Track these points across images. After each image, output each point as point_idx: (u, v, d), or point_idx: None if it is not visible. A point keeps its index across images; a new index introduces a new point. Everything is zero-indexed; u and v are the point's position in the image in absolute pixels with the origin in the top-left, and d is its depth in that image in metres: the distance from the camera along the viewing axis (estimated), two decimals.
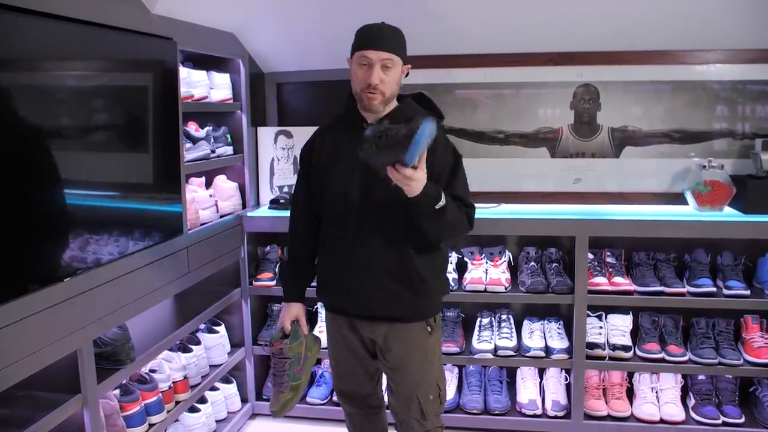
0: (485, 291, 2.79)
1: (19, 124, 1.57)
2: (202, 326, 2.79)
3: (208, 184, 2.80)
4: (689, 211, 2.76)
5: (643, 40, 2.77)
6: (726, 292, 2.65)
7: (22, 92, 1.60)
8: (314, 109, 3.18)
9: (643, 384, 2.80)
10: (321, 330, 2.91)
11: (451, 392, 2.85)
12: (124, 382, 2.18)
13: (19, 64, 1.58)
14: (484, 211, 2.75)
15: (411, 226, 1.82)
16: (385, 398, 2.21)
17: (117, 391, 2.17)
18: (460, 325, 2.96)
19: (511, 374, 2.96)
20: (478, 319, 2.95)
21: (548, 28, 2.74)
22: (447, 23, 2.73)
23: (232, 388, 2.88)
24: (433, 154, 1.85)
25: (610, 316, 2.81)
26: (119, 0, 2.01)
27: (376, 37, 1.83)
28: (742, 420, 2.64)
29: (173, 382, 2.41)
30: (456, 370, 2.98)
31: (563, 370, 2.83)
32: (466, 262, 2.91)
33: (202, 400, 2.66)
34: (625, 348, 2.72)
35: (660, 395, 2.77)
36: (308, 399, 2.91)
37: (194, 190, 2.63)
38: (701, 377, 2.76)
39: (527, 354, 2.77)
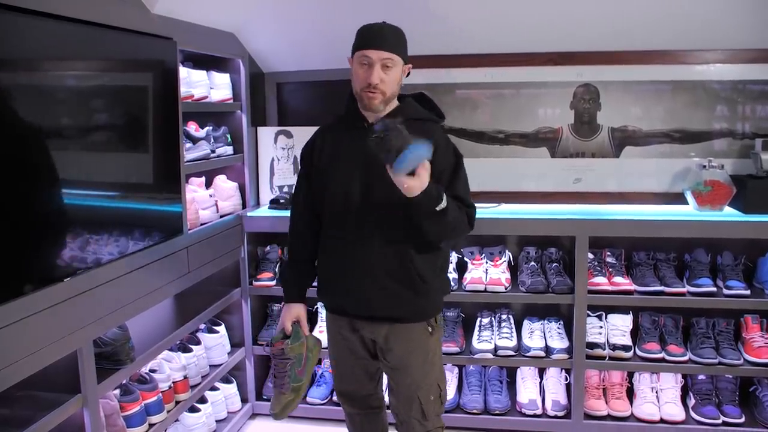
0: (485, 291, 2.79)
1: (19, 124, 1.57)
2: (202, 326, 2.79)
3: (208, 184, 2.80)
4: (689, 211, 2.76)
5: (643, 40, 2.77)
6: (726, 291, 2.65)
7: (23, 92, 1.60)
8: (314, 109, 3.18)
9: (643, 384, 2.80)
10: (321, 330, 2.92)
11: (451, 392, 2.85)
12: (124, 382, 2.18)
13: (19, 64, 1.58)
14: (484, 211, 2.75)
15: (411, 226, 1.81)
16: (386, 398, 2.21)
17: (117, 391, 2.17)
18: (460, 325, 2.96)
19: (511, 374, 2.96)
20: (478, 319, 2.95)
21: (548, 28, 2.74)
22: (447, 23, 2.73)
23: (232, 388, 2.88)
24: (434, 154, 1.85)
25: (610, 316, 2.81)
26: (119, 0, 2.01)
27: (376, 37, 1.83)
28: (742, 420, 2.64)
29: (173, 382, 2.41)
30: (456, 370, 2.98)
31: (563, 370, 2.83)
32: (466, 262, 2.92)
33: (202, 400, 2.66)
34: (625, 348, 2.72)
35: (660, 395, 2.77)
36: (308, 399, 2.91)
37: (194, 190, 2.63)
38: (701, 377, 2.76)
39: (527, 354, 2.77)
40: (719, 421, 2.64)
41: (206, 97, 2.64)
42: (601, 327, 2.78)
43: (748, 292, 2.62)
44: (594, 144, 2.94)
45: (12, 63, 1.55)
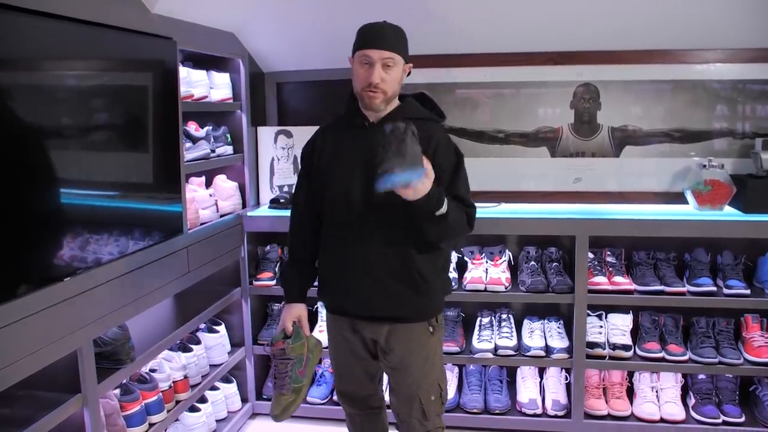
0: (485, 290, 2.79)
1: (19, 124, 1.57)
2: (202, 326, 2.79)
3: (208, 184, 2.80)
4: (689, 211, 2.76)
5: (643, 39, 2.77)
6: (726, 291, 2.65)
7: (23, 92, 1.60)
8: (314, 109, 3.18)
9: (644, 383, 2.80)
10: (321, 329, 2.92)
11: (451, 392, 2.85)
12: (124, 381, 2.18)
13: (19, 64, 1.58)
14: (484, 210, 2.75)
15: (412, 225, 1.81)
16: (386, 398, 2.21)
17: (117, 391, 2.17)
18: (461, 324, 2.96)
19: (512, 374, 2.96)
20: (479, 318, 2.95)
21: (548, 28, 2.73)
22: (447, 23, 2.73)
23: (232, 388, 2.88)
24: (434, 154, 1.85)
25: (611, 316, 2.81)
26: (119, 0, 2.01)
27: (377, 36, 1.83)
28: (743, 419, 2.64)
29: (173, 382, 2.41)
30: (456, 369, 2.98)
31: (563, 370, 2.84)
32: (467, 262, 2.92)
33: (203, 400, 2.66)
34: (625, 347, 2.72)
35: (660, 394, 2.77)
36: (308, 398, 2.91)
37: (194, 190, 2.63)
38: (701, 376, 2.76)
39: (527, 353, 2.77)
40: (719, 421, 2.64)
41: (206, 96, 2.64)
42: (601, 326, 2.78)
43: (748, 291, 2.62)
44: (594, 143, 2.94)
45: (12, 63, 1.55)
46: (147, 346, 2.22)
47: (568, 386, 2.82)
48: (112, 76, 1.98)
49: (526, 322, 2.92)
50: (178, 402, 2.41)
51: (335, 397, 2.78)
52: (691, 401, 2.75)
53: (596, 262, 2.81)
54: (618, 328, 2.78)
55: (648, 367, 2.73)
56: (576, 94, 2.93)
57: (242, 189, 2.95)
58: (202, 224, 2.57)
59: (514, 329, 2.87)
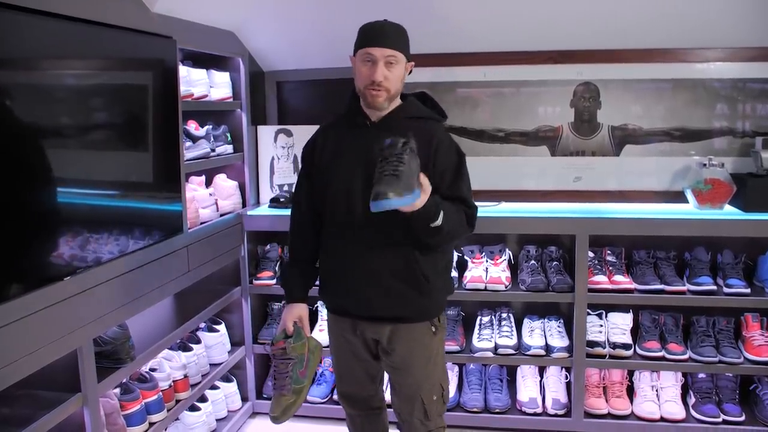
0: (485, 289, 2.79)
1: (19, 123, 1.57)
2: (203, 325, 2.79)
3: (208, 183, 2.80)
4: (689, 210, 2.76)
5: (644, 38, 2.77)
6: (726, 290, 2.65)
7: (22, 91, 1.59)
8: (314, 108, 3.18)
9: (644, 382, 2.80)
10: (321, 329, 2.92)
11: (451, 391, 2.85)
12: (124, 380, 2.18)
13: (18, 63, 1.58)
14: (484, 209, 2.74)
15: (411, 230, 1.81)
16: (387, 397, 2.21)
17: (117, 390, 2.17)
18: (461, 323, 2.96)
19: (512, 373, 2.96)
20: (479, 317, 2.95)
21: (549, 27, 2.73)
22: (448, 22, 2.73)
23: (232, 387, 2.88)
24: (436, 154, 1.85)
25: (611, 315, 2.81)
26: None
27: (379, 34, 1.83)
28: (743, 418, 2.64)
29: (173, 381, 2.41)
30: (456, 368, 2.98)
31: (563, 369, 2.84)
32: (467, 261, 2.92)
33: (203, 399, 2.66)
34: (626, 346, 2.72)
35: (660, 393, 2.77)
36: (309, 398, 2.90)
37: (194, 189, 2.63)
38: (701, 375, 2.76)
39: (527, 352, 2.77)
40: (719, 420, 2.64)
41: (206, 95, 2.63)
42: (602, 325, 2.78)
43: (748, 290, 2.63)
44: (594, 142, 2.94)
45: (12, 62, 1.55)
46: (147, 345, 2.22)
47: (568, 385, 2.82)
48: (112, 75, 1.98)
49: (526, 321, 2.92)
50: (178, 401, 2.41)
51: (335, 397, 2.78)
52: (691, 400, 2.75)
53: (596, 261, 2.81)
54: (618, 327, 2.78)
55: (648, 366, 2.73)
56: (576, 93, 2.93)
57: (242, 188, 2.95)
58: (202, 223, 2.57)
59: (514, 328, 2.87)
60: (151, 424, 2.22)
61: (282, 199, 2.95)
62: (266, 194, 3.09)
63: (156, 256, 2.17)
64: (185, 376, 2.47)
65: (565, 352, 2.74)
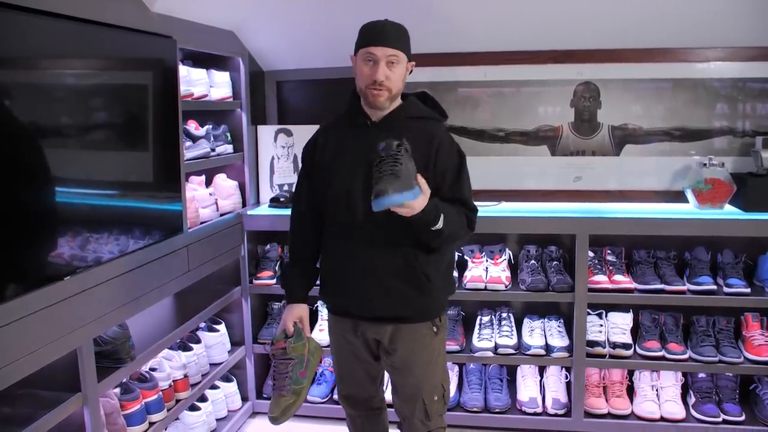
0: (485, 289, 2.79)
1: (19, 123, 1.57)
2: (203, 325, 2.79)
3: (208, 183, 2.80)
4: (690, 209, 2.76)
5: (644, 38, 2.77)
6: (726, 290, 2.65)
7: (22, 91, 1.59)
8: (314, 108, 3.18)
9: (644, 382, 2.80)
10: (321, 328, 2.92)
11: (451, 390, 2.84)
12: (124, 380, 2.18)
13: (18, 63, 1.57)
14: (484, 209, 2.74)
15: (412, 231, 1.81)
16: (387, 396, 2.20)
17: (117, 390, 2.17)
18: (461, 323, 2.96)
19: (512, 372, 2.96)
20: (479, 317, 2.95)
21: (549, 27, 2.73)
22: (448, 22, 2.73)
23: (232, 387, 2.88)
24: (437, 154, 1.85)
25: (611, 314, 2.81)
26: None
27: (381, 34, 1.82)
28: (743, 418, 2.64)
29: (173, 381, 2.41)
30: (456, 368, 2.98)
31: (563, 368, 2.84)
32: (467, 261, 2.92)
33: (203, 399, 2.66)
34: (626, 346, 2.72)
35: (660, 393, 2.77)
36: (309, 397, 2.90)
37: (194, 189, 2.63)
38: (701, 375, 2.76)
39: (527, 352, 2.77)
40: (719, 419, 2.64)
41: (206, 95, 2.63)
42: (602, 325, 2.78)
43: (748, 290, 2.63)
44: (594, 142, 2.94)
45: (11, 61, 1.55)
46: (147, 344, 2.22)
47: (568, 385, 2.82)
48: (112, 74, 1.98)
49: (526, 320, 2.92)
50: (178, 401, 2.41)
51: (335, 396, 2.78)
52: (691, 400, 2.75)
53: (596, 261, 2.81)
54: (618, 326, 2.78)
55: (648, 366, 2.73)
56: (576, 93, 2.93)
57: (242, 188, 2.95)
58: (202, 223, 2.57)
59: (514, 328, 2.87)
60: (151, 424, 2.22)
61: (282, 199, 2.95)
62: (266, 194, 3.09)
63: (156, 256, 2.17)
64: (185, 376, 2.47)
65: (565, 351, 2.74)
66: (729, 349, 2.64)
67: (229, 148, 2.85)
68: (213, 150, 2.70)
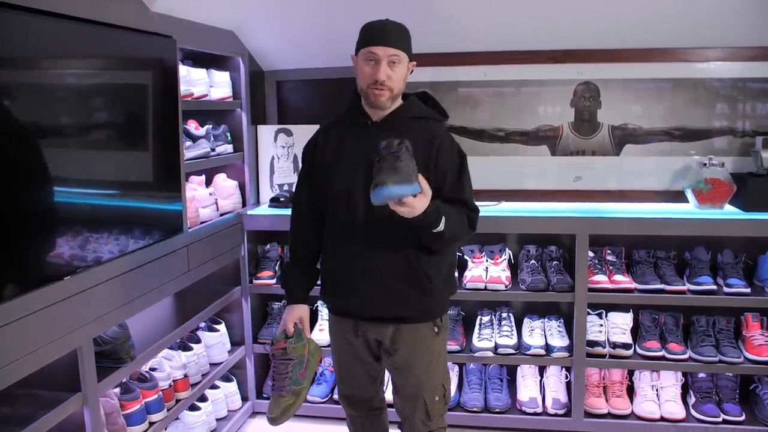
0: (485, 289, 2.79)
1: (18, 123, 1.57)
2: (203, 324, 2.79)
3: (208, 183, 2.80)
4: (690, 209, 2.76)
5: (644, 37, 2.77)
6: (726, 290, 2.65)
7: (22, 91, 1.59)
8: (314, 108, 3.18)
9: (644, 382, 2.80)
10: (321, 328, 2.92)
11: (451, 390, 2.85)
12: (124, 380, 2.18)
13: (18, 63, 1.57)
14: (484, 209, 2.73)
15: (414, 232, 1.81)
16: (387, 396, 2.20)
17: (117, 390, 2.17)
18: (461, 323, 2.96)
19: (512, 372, 2.96)
20: (479, 317, 2.95)
21: (549, 26, 2.73)
22: (448, 22, 2.73)
23: (232, 387, 2.88)
24: (438, 153, 1.84)
25: (611, 314, 2.81)
26: None
27: (382, 33, 1.82)
28: (743, 418, 2.64)
29: (173, 381, 2.41)
30: (456, 368, 2.98)
31: (563, 368, 2.84)
32: (467, 261, 2.91)
33: (203, 399, 2.66)
34: (626, 346, 2.72)
35: (660, 393, 2.77)
36: (309, 397, 2.90)
37: (194, 189, 2.63)
38: (701, 375, 2.76)
39: (527, 352, 2.77)
40: (719, 419, 2.64)
41: (206, 95, 2.63)
42: (602, 325, 2.78)
43: (748, 290, 2.63)
44: (594, 142, 2.94)
45: (11, 61, 1.55)
46: (147, 344, 2.22)
47: (568, 385, 2.82)
48: (112, 74, 1.98)
49: (526, 320, 2.92)
50: (178, 401, 2.41)
51: (335, 396, 2.78)
52: (692, 400, 2.75)
53: (596, 261, 2.81)
54: (618, 326, 2.78)
55: (648, 366, 2.73)
56: (576, 93, 2.93)
57: (242, 187, 2.95)
58: (202, 223, 2.57)
59: (514, 328, 2.87)
60: (151, 424, 2.22)
61: (282, 199, 2.95)
62: (266, 194, 3.09)
63: (156, 256, 2.17)
64: (185, 376, 2.47)
65: (565, 351, 2.74)
66: (729, 349, 2.64)
67: (229, 148, 2.85)
68: (213, 150, 2.70)
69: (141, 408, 2.18)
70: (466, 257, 2.93)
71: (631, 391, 2.82)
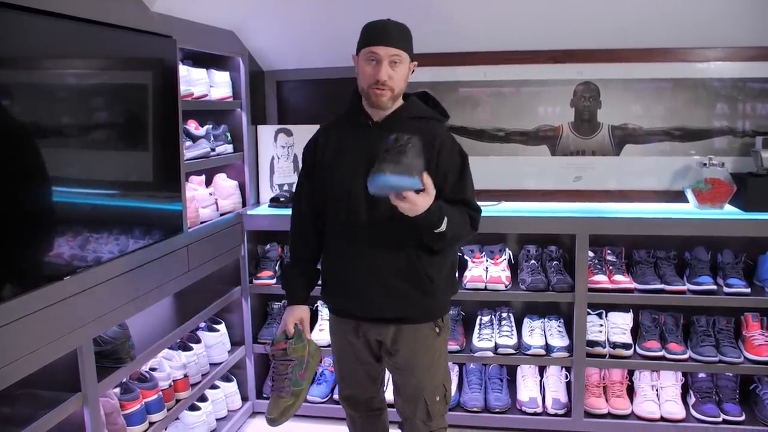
0: (485, 289, 2.79)
1: (18, 123, 1.57)
2: (203, 324, 2.79)
3: (208, 183, 2.80)
4: (690, 209, 2.76)
5: (644, 37, 2.77)
6: (726, 290, 2.65)
7: (22, 91, 1.59)
8: (314, 107, 3.18)
9: (644, 382, 2.80)
10: (322, 328, 2.92)
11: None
12: (124, 380, 2.18)
13: (18, 63, 1.57)
14: (484, 209, 2.74)
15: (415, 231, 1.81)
16: (387, 396, 2.20)
17: (117, 390, 2.17)
18: (461, 323, 2.96)
19: (512, 372, 2.96)
20: (479, 317, 2.94)
21: (549, 26, 2.73)
22: (448, 22, 2.73)
23: (232, 387, 2.88)
24: (439, 154, 1.84)
25: (611, 314, 2.81)
26: None
27: (383, 33, 1.81)
28: (743, 418, 2.64)
29: (173, 381, 2.41)
30: (456, 368, 2.98)
31: (563, 368, 2.84)
32: (467, 261, 2.91)
33: (203, 399, 2.66)
34: (626, 346, 2.71)
35: (660, 393, 2.77)
36: (309, 397, 2.90)
37: (194, 189, 2.63)
38: (701, 375, 2.76)
39: (527, 352, 2.77)
40: (719, 419, 2.64)
41: (206, 95, 2.63)
42: (602, 325, 2.78)
43: (748, 290, 2.63)
44: (594, 142, 2.94)
45: (11, 61, 1.55)
46: (147, 344, 2.22)
47: (568, 385, 2.82)
48: (112, 74, 1.98)
49: (526, 320, 2.92)
50: (178, 401, 2.41)
51: (335, 396, 2.78)
52: (692, 400, 2.75)
53: (596, 261, 2.81)
54: (618, 326, 2.78)
55: (648, 366, 2.73)
56: (576, 93, 2.93)
57: (242, 187, 2.95)
58: (202, 223, 2.57)
59: (514, 328, 2.87)
60: (151, 424, 2.22)
61: (282, 199, 2.95)
62: (266, 194, 3.09)
63: (156, 256, 2.17)
64: (185, 376, 2.47)
65: (565, 351, 2.74)
66: (729, 349, 2.64)
67: (229, 147, 2.85)
68: (213, 150, 2.70)
69: (141, 408, 2.18)
70: (466, 257, 2.92)
71: (631, 391, 2.82)
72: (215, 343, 2.77)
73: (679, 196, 2.84)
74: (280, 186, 3.10)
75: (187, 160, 2.46)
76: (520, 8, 2.64)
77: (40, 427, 1.66)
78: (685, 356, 2.66)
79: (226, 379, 2.87)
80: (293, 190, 2.68)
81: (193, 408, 2.57)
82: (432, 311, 1.94)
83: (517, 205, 2.92)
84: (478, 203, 1.95)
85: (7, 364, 1.53)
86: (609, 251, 2.85)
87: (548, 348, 2.77)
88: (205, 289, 2.75)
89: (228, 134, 2.85)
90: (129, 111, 2.05)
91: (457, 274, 2.81)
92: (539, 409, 2.78)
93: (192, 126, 2.63)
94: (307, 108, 3.21)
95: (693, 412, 2.71)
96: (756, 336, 2.65)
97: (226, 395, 2.83)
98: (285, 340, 1.94)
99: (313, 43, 2.94)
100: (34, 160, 1.63)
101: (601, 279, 2.73)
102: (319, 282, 2.05)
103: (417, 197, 1.67)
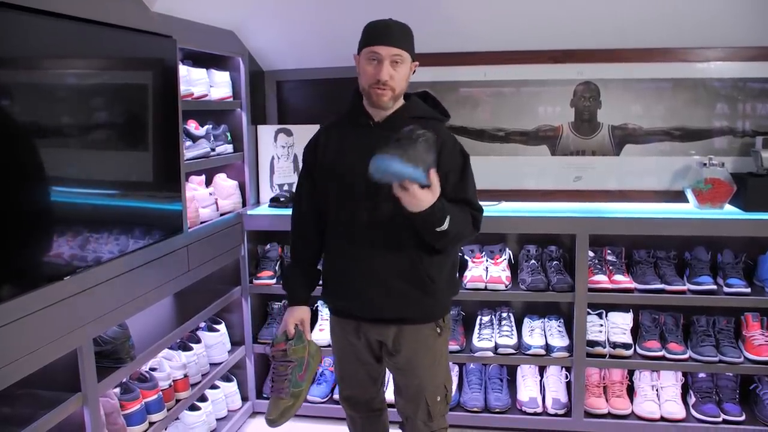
0: (486, 289, 2.79)
1: (18, 122, 1.57)
2: (203, 324, 2.79)
3: (208, 183, 2.80)
4: (690, 209, 2.76)
5: (644, 37, 2.77)
6: (726, 290, 2.65)
7: (22, 91, 1.59)
8: (314, 107, 3.18)
9: (644, 382, 2.80)
10: (322, 328, 2.92)
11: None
12: (124, 380, 2.17)
13: (18, 63, 1.57)
14: (484, 209, 2.74)
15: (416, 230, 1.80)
16: (388, 396, 2.20)
17: (117, 390, 2.17)
18: (461, 323, 2.96)
19: (512, 372, 2.96)
20: (479, 317, 2.94)
21: (549, 26, 2.73)
22: (448, 22, 2.72)
23: (232, 387, 2.88)
24: (440, 153, 1.84)
25: (611, 314, 2.81)
26: None
27: (385, 33, 1.81)
28: (743, 418, 2.64)
29: (173, 381, 2.41)
30: (456, 368, 2.98)
31: (564, 368, 2.84)
32: (467, 260, 2.91)
33: (203, 399, 2.66)
34: (626, 346, 2.71)
35: (660, 393, 2.77)
36: (309, 397, 2.90)
37: (194, 189, 2.63)
38: (702, 375, 2.76)
39: (527, 352, 2.77)
40: (719, 419, 2.64)
41: (206, 95, 2.63)
42: (602, 325, 2.78)
43: (748, 290, 2.63)
44: (594, 142, 2.94)
45: (12, 61, 1.54)
46: (147, 344, 2.22)
47: (568, 385, 2.82)
48: (112, 74, 1.98)
49: (526, 320, 2.92)
50: (178, 401, 2.41)
51: (335, 396, 2.78)
52: (692, 400, 2.75)
53: (596, 261, 2.81)
54: (618, 326, 2.78)
55: (648, 366, 2.73)
56: (576, 93, 2.93)
57: (242, 187, 2.95)
58: (202, 223, 2.57)
59: (514, 328, 2.87)
60: (151, 424, 2.22)
61: (282, 199, 2.95)
62: (266, 194, 3.09)
63: (156, 256, 2.17)
64: (185, 376, 2.47)
65: (565, 351, 2.74)
66: (729, 349, 2.64)
67: (229, 147, 2.85)
68: (213, 150, 2.70)
69: (141, 408, 2.18)
70: (466, 257, 2.92)
71: (631, 391, 2.82)
72: (215, 343, 2.77)
73: (679, 196, 2.84)
74: (280, 186, 3.10)
75: (187, 160, 2.46)
76: (520, 8, 2.64)
77: (40, 427, 1.66)
78: (685, 356, 2.67)
79: (226, 379, 2.86)
80: (293, 190, 2.68)
81: (193, 408, 2.57)
82: (433, 312, 1.94)
83: (517, 205, 2.92)
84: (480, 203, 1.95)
85: (7, 364, 1.53)
86: (609, 251, 2.85)
87: (548, 348, 2.77)
88: (205, 289, 2.75)
89: (228, 134, 2.85)
90: (129, 111, 2.05)
91: (457, 275, 2.84)
92: (539, 409, 2.78)
93: (192, 126, 2.63)
94: (307, 108, 3.21)
95: (693, 412, 2.71)
96: (756, 336, 2.65)
97: (226, 395, 2.83)
98: (285, 341, 1.93)
99: (313, 43, 2.93)
100: (34, 160, 1.63)
101: (601, 279, 2.73)
102: (320, 282, 2.05)
103: (420, 191, 1.66)
